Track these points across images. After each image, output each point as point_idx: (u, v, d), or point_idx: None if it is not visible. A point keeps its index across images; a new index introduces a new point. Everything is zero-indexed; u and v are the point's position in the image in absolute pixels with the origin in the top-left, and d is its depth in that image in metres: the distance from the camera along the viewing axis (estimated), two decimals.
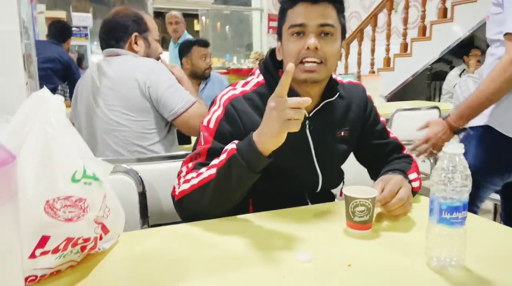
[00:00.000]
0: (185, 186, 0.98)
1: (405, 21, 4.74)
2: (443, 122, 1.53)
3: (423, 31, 4.61)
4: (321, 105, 1.09)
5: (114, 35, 1.55)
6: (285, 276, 0.72)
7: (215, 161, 0.95)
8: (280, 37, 1.07)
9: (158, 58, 1.66)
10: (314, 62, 1.00)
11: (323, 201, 1.02)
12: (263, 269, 0.75)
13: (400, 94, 4.74)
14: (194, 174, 0.98)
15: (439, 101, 4.76)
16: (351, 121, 1.15)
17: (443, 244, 0.74)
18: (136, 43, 1.58)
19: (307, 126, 1.09)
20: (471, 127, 1.53)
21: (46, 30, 3.69)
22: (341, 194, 1.19)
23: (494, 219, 2.34)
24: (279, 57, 1.09)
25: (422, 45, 4.55)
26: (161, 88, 1.46)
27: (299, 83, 1.04)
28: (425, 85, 5.15)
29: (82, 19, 5.50)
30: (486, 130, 1.50)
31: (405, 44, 4.76)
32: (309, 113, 1.09)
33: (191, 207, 0.99)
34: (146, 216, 1.25)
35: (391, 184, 0.96)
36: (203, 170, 0.97)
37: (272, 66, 1.10)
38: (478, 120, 1.51)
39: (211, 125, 1.04)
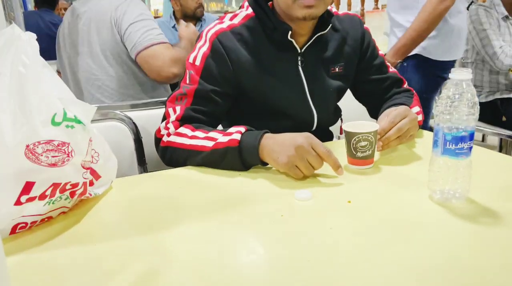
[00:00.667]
0: (175, 139, 0.95)
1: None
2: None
3: None
4: (313, 39, 1.03)
5: None
6: (284, 214, 0.70)
7: (215, 135, 0.91)
8: None
9: None
10: None
11: (321, 139, 0.99)
12: (261, 209, 0.73)
13: None
14: (188, 132, 0.94)
15: None
16: (347, 56, 1.09)
17: (447, 176, 0.71)
18: None
19: (299, 62, 1.05)
20: (404, 60, 1.74)
21: None
22: (340, 132, 1.17)
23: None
24: None
25: None
26: (126, 21, 1.34)
27: (295, 20, 0.97)
28: None
29: None
30: (416, 58, 1.72)
31: None
32: (301, 49, 1.04)
33: (174, 158, 0.97)
34: (144, 163, 1.23)
35: (392, 115, 0.93)
36: (199, 133, 0.93)
37: (262, 3, 1.02)
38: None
39: (197, 62, 0.99)
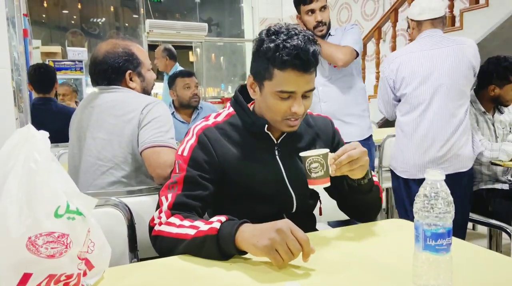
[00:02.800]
0: (165, 229, 1.00)
1: (393, 49, 4.85)
2: None
3: None
4: (286, 133, 1.15)
5: (106, 76, 1.54)
6: None
7: (199, 224, 0.96)
8: (258, 81, 1.10)
9: (152, 86, 1.67)
10: (297, 119, 1.09)
11: (303, 222, 1.04)
12: None
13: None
14: (177, 221, 1.00)
15: None
16: (319, 148, 1.19)
17: (430, 271, 0.74)
18: (131, 80, 1.57)
19: (276, 152, 1.17)
20: None
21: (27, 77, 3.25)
22: (320, 213, 1.27)
23: (489, 245, 2.33)
24: (253, 95, 1.14)
25: None
26: (146, 119, 1.44)
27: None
28: None
29: (78, 53, 5.60)
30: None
31: None
32: (277, 140, 1.16)
33: (163, 247, 1.00)
34: (135, 249, 1.24)
35: (346, 145, 1.03)
36: (186, 222, 0.98)
37: (241, 99, 1.17)
38: None
39: (185, 153, 1.10)
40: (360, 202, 1.17)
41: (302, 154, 1.02)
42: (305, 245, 0.85)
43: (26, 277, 0.63)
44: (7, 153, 0.67)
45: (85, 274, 0.75)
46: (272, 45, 1.01)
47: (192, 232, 0.94)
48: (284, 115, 1.07)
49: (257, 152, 1.14)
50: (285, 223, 0.87)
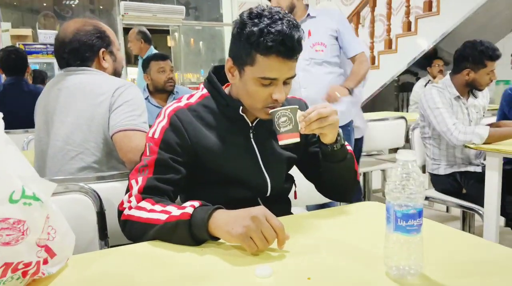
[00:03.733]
0: (134, 213, 0.97)
1: (372, 35, 4.86)
2: (341, 86, 2.18)
3: (389, 44, 4.73)
4: None
5: (79, 55, 1.47)
6: None
7: (170, 208, 0.93)
8: (238, 66, 1.05)
9: (122, 67, 1.61)
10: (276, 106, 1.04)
11: (279, 206, 1.03)
12: None
13: (370, 106, 4.83)
14: (148, 206, 0.96)
15: (407, 111, 4.87)
16: None
17: (401, 252, 0.73)
18: (104, 59, 1.52)
19: (251, 135, 1.14)
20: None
21: None
22: (295, 196, 1.27)
23: (462, 227, 2.39)
24: (231, 80, 1.10)
25: (388, 58, 4.67)
26: (118, 102, 1.39)
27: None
28: (393, 96, 5.26)
29: (49, 36, 5.40)
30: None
31: (372, 57, 4.87)
32: (252, 123, 1.13)
33: (132, 232, 0.98)
34: (106, 237, 1.20)
35: (316, 105, 1.01)
36: (157, 207, 0.95)
37: (215, 80, 1.13)
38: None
39: (156, 135, 1.06)
40: (335, 172, 1.14)
41: (271, 111, 1.01)
42: (280, 233, 0.84)
43: None
44: None
45: (46, 262, 0.72)
46: (255, 29, 0.97)
47: (163, 217, 0.92)
48: (265, 103, 1.04)
49: (231, 135, 1.11)
50: (260, 210, 0.86)
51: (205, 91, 1.15)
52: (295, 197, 1.28)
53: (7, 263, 0.63)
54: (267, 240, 0.84)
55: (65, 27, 1.50)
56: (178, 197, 1.16)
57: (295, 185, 1.28)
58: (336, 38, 2.25)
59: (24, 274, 0.67)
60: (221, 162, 1.10)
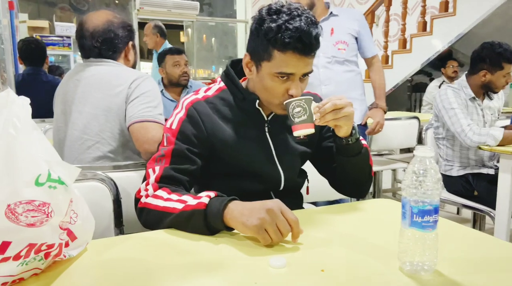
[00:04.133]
0: (151, 201, 0.99)
1: (386, 34, 4.83)
2: (379, 109, 2.39)
3: (403, 44, 4.70)
4: None
5: (112, 46, 1.50)
6: (257, 282, 0.71)
7: (186, 198, 0.95)
8: (255, 61, 1.07)
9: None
10: None
11: (291, 201, 1.04)
12: (235, 276, 0.74)
13: None
14: (164, 194, 0.99)
15: (419, 112, 4.83)
16: None
17: (416, 248, 0.74)
18: (130, 51, 1.56)
19: (266, 129, 1.15)
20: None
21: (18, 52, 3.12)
22: (307, 192, 1.28)
23: (473, 228, 2.37)
24: (248, 75, 1.11)
25: (402, 58, 4.63)
26: (134, 94, 1.41)
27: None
28: (406, 96, 5.23)
29: (66, 28, 5.47)
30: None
31: (386, 56, 4.84)
32: (267, 117, 1.15)
33: (149, 220, 1.00)
34: (121, 225, 1.22)
35: (331, 96, 1.01)
36: (173, 196, 0.97)
37: (233, 74, 1.14)
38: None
39: (174, 126, 1.08)
40: (350, 167, 1.14)
41: (285, 101, 1.01)
42: (295, 226, 0.85)
43: (5, 245, 0.61)
44: None
45: (67, 244, 0.74)
46: (273, 25, 0.98)
47: (179, 206, 0.94)
48: (281, 98, 1.04)
49: (247, 128, 1.13)
50: (275, 203, 0.87)
51: (222, 84, 1.16)
52: (307, 193, 1.29)
53: (31, 244, 0.65)
54: (281, 233, 0.85)
55: (94, 17, 1.51)
56: (193, 188, 1.18)
57: (308, 180, 1.29)
58: (356, 38, 2.30)
59: (47, 255, 0.69)
60: (235, 154, 1.11)
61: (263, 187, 1.15)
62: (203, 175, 1.13)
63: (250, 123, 1.14)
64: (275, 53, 1.00)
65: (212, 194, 0.94)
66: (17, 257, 0.64)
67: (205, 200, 0.91)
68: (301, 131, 1.00)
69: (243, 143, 1.11)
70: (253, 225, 0.85)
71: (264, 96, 1.09)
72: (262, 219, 0.84)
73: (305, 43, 0.98)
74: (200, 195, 0.95)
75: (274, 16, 0.99)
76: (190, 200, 0.94)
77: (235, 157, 1.11)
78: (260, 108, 1.13)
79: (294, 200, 1.24)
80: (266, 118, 1.15)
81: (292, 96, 1.03)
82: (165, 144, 1.08)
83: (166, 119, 1.24)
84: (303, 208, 1.26)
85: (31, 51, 2.97)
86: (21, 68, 3.20)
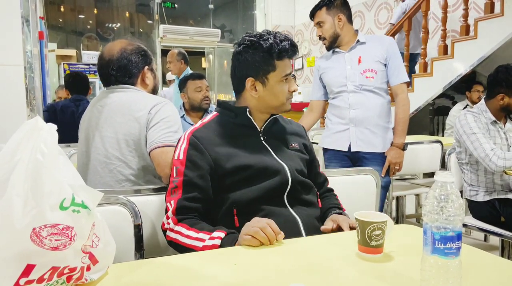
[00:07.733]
0: (173, 236, 1.15)
1: (406, 58, 4.82)
2: (393, 148, 2.23)
3: (424, 67, 4.67)
4: (270, 119, 1.32)
5: (127, 72, 1.56)
6: None
7: (203, 236, 1.09)
8: (260, 79, 1.27)
9: (158, 85, 1.69)
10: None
11: (303, 190, 1.27)
12: None
13: None
14: (184, 231, 1.13)
15: (442, 136, 4.75)
16: (298, 142, 1.38)
17: (438, 276, 0.72)
18: (146, 76, 1.61)
19: (262, 138, 1.31)
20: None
21: (64, 83, 3.62)
22: (319, 204, 1.37)
23: (502, 255, 2.28)
24: (254, 96, 1.28)
25: (424, 81, 4.60)
26: (155, 119, 1.45)
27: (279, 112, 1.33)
28: (428, 120, 5.16)
29: (92, 56, 5.70)
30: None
31: None
32: (260, 128, 1.31)
33: (178, 250, 1.15)
34: (141, 249, 1.23)
35: (345, 222, 1.19)
36: (192, 233, 1.11)
37: (223, 101, 1.35)
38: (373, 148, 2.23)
39: (181, 157, 1.22)
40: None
41: (360, 218, 0.92)
42: (278, 234, 1.03)
43: (29, 268, 0.63)
44: (14, 145, 0.67)
45: (89, 268, 0.75)
46: (271, 42, 1.23)
47: (199, 244, 1.09)
48: (287, 96, 1.29)
49: (243, 137, 1.28)
50: (264, 222, 1.03)
51: (215, 113, 1.35)
52: (320, 205, 1.37)
53: (54, 267, 0.66)
54: (269, 239, 1.01)
55: (110, 47, 1.59)
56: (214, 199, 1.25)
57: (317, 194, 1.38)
58: (385, 65, 2.22)
59: (69, 278, 0.70)
60: (242, 165, 1.22)
61: (273, 182, 1.23)
62: (221, 189, 1.22)
63: (246, 134, 1.29)
64: (276, 63, 1.25)
65: (222, 234, 1.07)
66: (40, 280, 0.65)
67: (217, 242, 1.06)
68: (373, 255, 0.92)
69: (244, 150, 1.25)
70: (247, 225, 1.04)
71: (276, 103, 1.28)
72: (254, 223, 1.04)
73: (294, 49, 1.28)
74: (213, 235, 1.08)
75: (264, 38, 1.24)
76: (207, 240, 1.08)
77: (243, 168, 1.21)
78: (252, 118, 1.29)
79: (304, 190, 1.31)
80: (259, 130, 1.31)
81: (293, 91, 1.30)
82: (175, 176, 1.21)
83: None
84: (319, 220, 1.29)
85: (76, 82, 3.34)
86: (49, 95, 3.46)
